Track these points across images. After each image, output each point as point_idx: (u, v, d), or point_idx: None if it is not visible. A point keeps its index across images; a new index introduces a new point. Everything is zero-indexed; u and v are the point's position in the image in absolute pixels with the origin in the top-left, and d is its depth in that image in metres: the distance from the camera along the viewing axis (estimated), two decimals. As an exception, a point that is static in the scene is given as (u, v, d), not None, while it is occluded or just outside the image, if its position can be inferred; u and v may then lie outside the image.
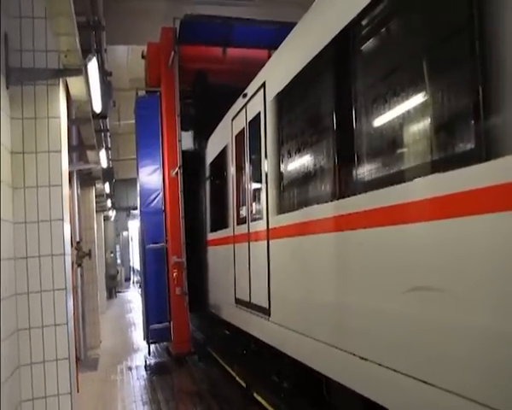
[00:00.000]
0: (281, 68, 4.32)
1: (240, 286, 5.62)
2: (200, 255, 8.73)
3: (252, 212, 5.11)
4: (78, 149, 6.22)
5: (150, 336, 8.10)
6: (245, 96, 5.21)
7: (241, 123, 5.43)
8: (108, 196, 11.82)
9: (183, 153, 8.10)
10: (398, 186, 2.59)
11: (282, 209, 4.25)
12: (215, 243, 7.03)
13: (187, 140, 8.94)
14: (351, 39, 3.07)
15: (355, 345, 3.02)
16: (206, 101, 8.74)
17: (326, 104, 3.48)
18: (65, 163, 3.96)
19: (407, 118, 2.63)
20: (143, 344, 9.73)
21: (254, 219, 5.03)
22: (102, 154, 6.93)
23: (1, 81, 3.41)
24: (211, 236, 7.37)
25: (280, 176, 4.28)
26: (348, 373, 3.16)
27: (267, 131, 4.58)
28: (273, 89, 4.41)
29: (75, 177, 7.43)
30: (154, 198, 8.55)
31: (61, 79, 3.80)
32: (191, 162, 8.37)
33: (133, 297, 20.42)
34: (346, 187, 3.17)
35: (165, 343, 8.84)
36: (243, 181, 5.41)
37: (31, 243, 3.72)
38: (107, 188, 10.85)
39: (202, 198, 8.74)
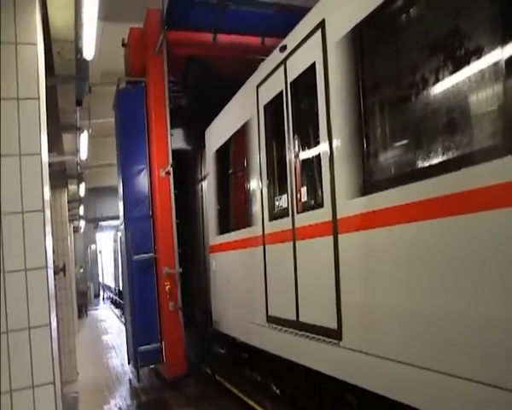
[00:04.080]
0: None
1: (276, 300, 4.17)
2: (197, 265, 7.26)
3: (299, 200, 3.70)
4: (50, 130, 4.49)
5: (139, 360, 6.58)
6: (283, 49, 3.82)
7: (275, 87, 4.03)
8: (81, 201, 9.83)
9: (172, 152, 6.72)
10: None
11: (366, 189, 2.88)
12: (226, 247, 5.53)
13: (174, 137, 7.54)
14: None
15: None
16: (200, 90, 7.48)
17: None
18: (44, 118, 2.42)
19: None
20: (128, 371, 8.06)
21: (305, 210, 3.63)
22: (84, 139, 5.11)
23: None
24: (218, 240, 5.85)
25: (361, 141, 2.91)
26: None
27: (331, 84, 3.21)
28: (344, 24, 3.04)
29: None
30: (141, 203, 7.06)
31: (37, -17, 2.29)
32: (180, 161, 6.89)
33: (105, 316, 18.17)
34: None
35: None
36: (281, 161, 4.00)
37: (-11, 249, 2.16)
38: (81, 191, 8.87)
39: (199, 199, 7.28)
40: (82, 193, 8.92)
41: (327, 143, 3.23)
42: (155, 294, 6.79)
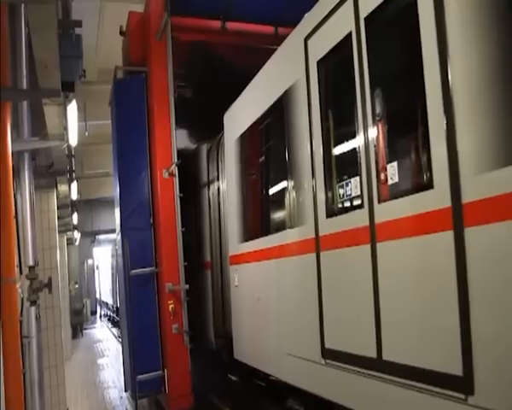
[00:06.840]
0: None
1: (339, 327, 2.98)
2: (211, 280, 6.13)
3: (383, 183, 2.55)
4: (25, 97, 3.27)
5: (138, 390, 5.61)
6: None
7: (337, 31, 2.90)
8: (75, 207, 8.36)
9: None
10: None
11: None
12: (255, 257, 4.34)
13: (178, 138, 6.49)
14: None
15: None
16: (207, 81, 6.47)
17: None
18: None
19: None
20: (127, 403, 6.83)
21: (395, 196, 2.48)
22: (72, 110, 3.74)
23: None
24: (242, 248, 4.63)
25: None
26: None
27: (446, 5, 2.11)
28: None
29: (26, 166, 4.50)
30: (140, 210, 5.96)
31: None
32: (183, 163, 5.82)
33: (102, 335, 16.79)
34: None
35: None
36: (348, 130, 2.84)
37: None
38: (73, 192, 7.36)
39: (213, 204, 6.19)
40: (74, 195, 7.57)
41: (439, 90, 2.10)
42: (156, 314, 5.86)
